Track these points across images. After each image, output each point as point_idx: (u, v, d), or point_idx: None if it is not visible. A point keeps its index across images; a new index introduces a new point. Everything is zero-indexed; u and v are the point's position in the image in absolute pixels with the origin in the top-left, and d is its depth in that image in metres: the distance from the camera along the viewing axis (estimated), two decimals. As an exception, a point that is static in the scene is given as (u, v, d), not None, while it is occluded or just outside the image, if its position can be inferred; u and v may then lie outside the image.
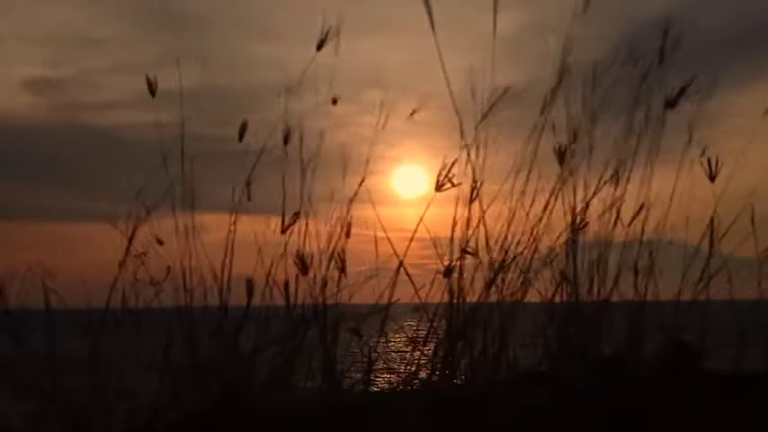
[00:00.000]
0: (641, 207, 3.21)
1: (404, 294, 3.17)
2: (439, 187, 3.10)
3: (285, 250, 3.16)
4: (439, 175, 3.08)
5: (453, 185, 3.10)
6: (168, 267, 3.18)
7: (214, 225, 3.24)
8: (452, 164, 3.07)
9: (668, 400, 2.93)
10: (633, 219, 3.21)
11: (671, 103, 3.12)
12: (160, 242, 3.20)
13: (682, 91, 3.08)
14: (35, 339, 3.14)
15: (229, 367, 3.14)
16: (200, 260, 3.19)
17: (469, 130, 3.13)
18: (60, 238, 3.11)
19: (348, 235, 3.16)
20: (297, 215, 3.15)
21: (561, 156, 3.18)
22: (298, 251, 3.11)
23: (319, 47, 3.16)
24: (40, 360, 3.10)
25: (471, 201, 3.15)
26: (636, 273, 3.20)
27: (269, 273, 3.15)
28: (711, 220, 3.14)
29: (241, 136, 3.20)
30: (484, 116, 3.09)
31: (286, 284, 3.14)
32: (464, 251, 3.14)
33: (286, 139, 3.20)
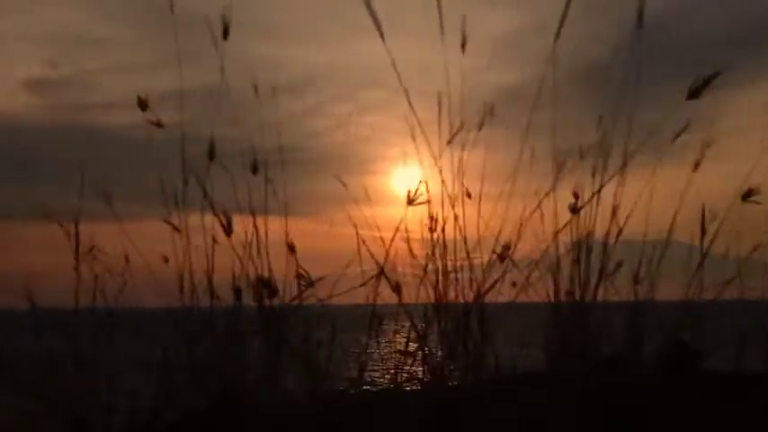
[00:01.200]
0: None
1: (404, 295, 3.17)
2: (410, 202, 3.15)
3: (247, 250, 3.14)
4: (408, 193, 3.15)
5: (423, 202, 3.17)
6: (126, 258, 3.16)
7: (209, 226, 3.23)
8: (422, 182, 3.13)
9: (668, 400, 2.93)
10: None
11: (694, 94, 3.07)
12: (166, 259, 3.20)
13: (706, 82, 3.03)
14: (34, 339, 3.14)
15: (228, 367, 3.14)
16: (196, 261, 3.19)
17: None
18: (60, 237, 3.10)
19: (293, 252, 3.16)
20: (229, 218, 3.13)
21: (575, 210, 3.21)
22: (258, 276, 3.10)
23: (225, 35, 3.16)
24: (40, 360, 3.10)
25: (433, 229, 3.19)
26: (636, 273, 3.20)
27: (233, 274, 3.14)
28: (702, 218, 3.13)
29: (212, 156, 3.21)
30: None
31: (236, 289, 3.13)
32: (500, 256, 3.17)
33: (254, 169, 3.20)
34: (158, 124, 3.18)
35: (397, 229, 3.18)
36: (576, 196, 3.23)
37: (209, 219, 3.21)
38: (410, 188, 3.16)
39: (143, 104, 3.20)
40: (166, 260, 3.18)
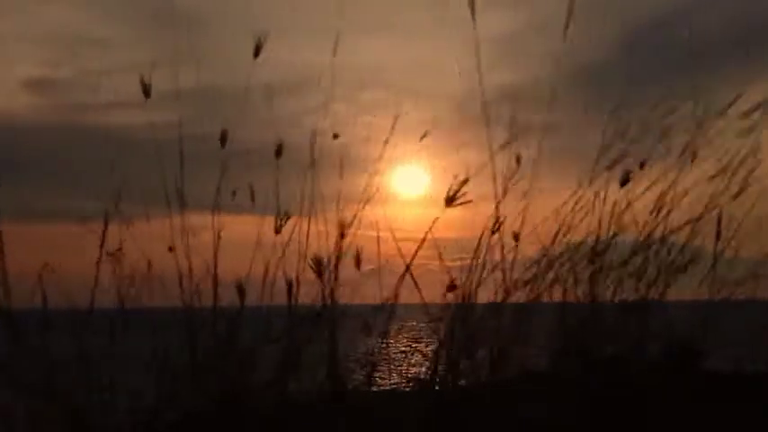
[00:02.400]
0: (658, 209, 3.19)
1: (407, 295, 3.16)
2: (450, 202, 3.10)
3: (284, 252, 3.15)
4: (449, 191, 3.08)
5: (465, 202, 3.10)
6: (149, 263, 3.17)
7: (210, 225, 3.23)
8: (464, 181, 3.06)
9: (669, 400, 2.93)
10: (657, 215, 3.18)
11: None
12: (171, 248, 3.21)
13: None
14: (35, 339, 3.13)
15: (229, 367, 3.14)
16: (199, 261, 3.19)
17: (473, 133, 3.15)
18: (61, 238, 3.12)
19: (343, 236, 3.15)
20: (288, 216, 3.15)
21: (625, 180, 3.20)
22: (315, 256, 3.10)
23: (256, 54, 3.18)
24: (40, 360, 3.10)
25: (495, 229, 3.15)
26: (641, 273, 3.20)
27: (266, 273, 3.14)
28: (719, 221, 3.13)
29: (223, 142, 3.21)
30: None
31: (289, 286, 3.13)
32: None
33: (278, 151, 3.20)
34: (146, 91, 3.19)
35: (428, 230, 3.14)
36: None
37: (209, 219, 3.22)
38: (451, 186, 3.05)
39: (146, 90, 3.19)
40: (171, 249, 3.19)
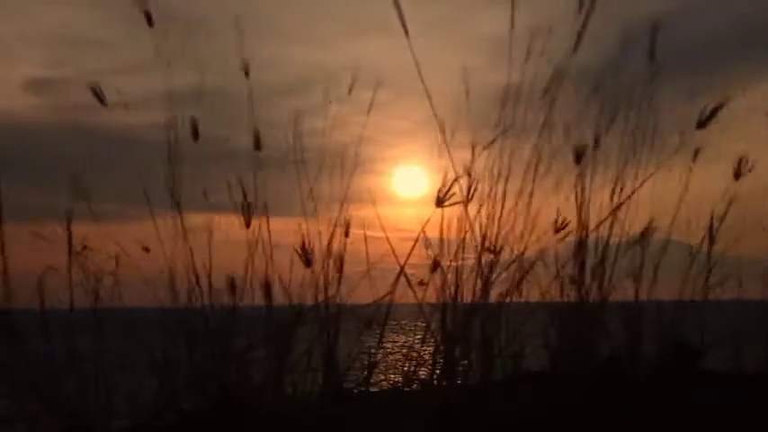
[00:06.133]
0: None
1: (404, 294, 3.16)
2: (440, 203, 3.10)
3: (252, 250, 3.15)
4: (439, 192, 3.09)
5: (456, 203, 3.10)
6: (116, 257, 3.17)
7: (208, 226, 3.23)
8: (453, 181, 3.07)
9: (668, 400, 2.93)
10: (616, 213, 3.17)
11: (701, 124, 3.10)
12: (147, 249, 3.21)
13: (713, 113, 3.06)
14: (34, 340, 3.14)
15: (227, 368, 3.14)
16: (194, 261, 3.19)
17: (468, 130, 3.15)
18: (60, 238, 3.12)
19: (347, 234, 3.15)
20: (251, 208, 3.15)
21: (579, 156, 3.18)
22: (301, 244, 3.11)
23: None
24: (39, 360, 3.10)
25: (468, 200, 3.15)
26: (636, 273, 3.20)
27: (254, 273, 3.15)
28: (711, 221, 3.13)
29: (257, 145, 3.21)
30: None
31: (267, 286, 3.13)
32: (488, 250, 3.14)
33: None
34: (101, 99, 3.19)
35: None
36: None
37: (206, 218, 3.22)
38: (441, 187, 3.06)
39: (101, 99, 3.19)
40: (147, 250, 3.19)
